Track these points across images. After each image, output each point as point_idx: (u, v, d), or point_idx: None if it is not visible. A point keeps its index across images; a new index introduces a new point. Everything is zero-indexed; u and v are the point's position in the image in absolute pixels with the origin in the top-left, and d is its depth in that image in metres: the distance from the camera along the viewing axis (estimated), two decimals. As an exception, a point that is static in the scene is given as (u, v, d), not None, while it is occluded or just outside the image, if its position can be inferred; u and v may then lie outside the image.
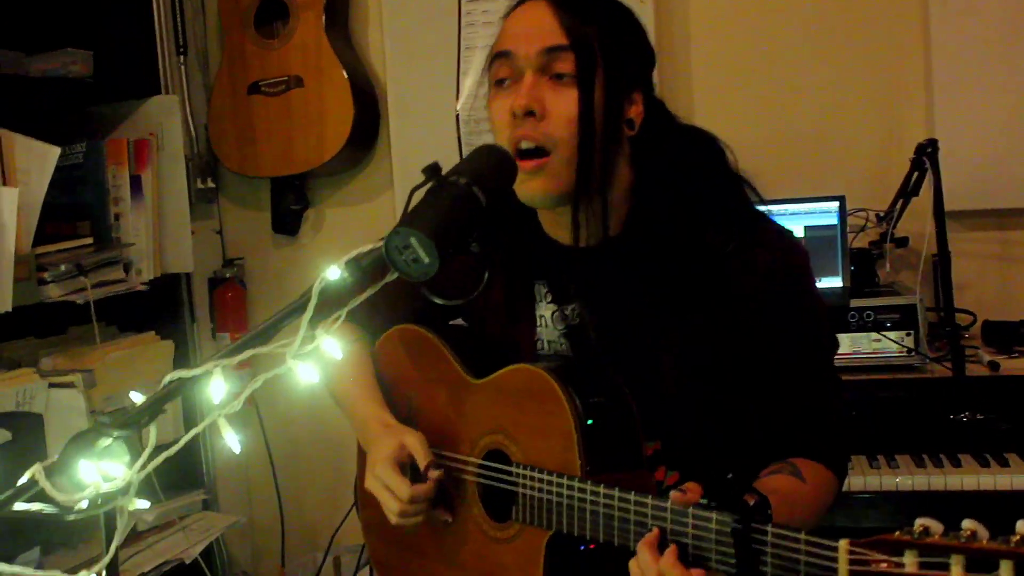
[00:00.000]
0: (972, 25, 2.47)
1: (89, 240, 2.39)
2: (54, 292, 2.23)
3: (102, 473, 1.13)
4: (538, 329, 1.50)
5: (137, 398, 1.19)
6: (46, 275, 2.21)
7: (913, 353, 2.23)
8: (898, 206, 2.39)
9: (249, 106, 2.87)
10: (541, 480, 1.32)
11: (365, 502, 1.66)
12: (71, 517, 1.21)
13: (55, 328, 2.57)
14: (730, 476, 1.03)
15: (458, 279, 1.15)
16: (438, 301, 1.13)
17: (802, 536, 0.99)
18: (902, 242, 2.56)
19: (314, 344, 1.15)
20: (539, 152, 1.31)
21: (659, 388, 1.36)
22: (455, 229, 1.08)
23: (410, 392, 1.60)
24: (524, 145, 1.31)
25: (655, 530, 1.13)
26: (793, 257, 1.39)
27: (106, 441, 1.15)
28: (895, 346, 2.23)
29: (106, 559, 1.18)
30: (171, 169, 2.65)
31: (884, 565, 0.93)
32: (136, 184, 2.51)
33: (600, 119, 1.31)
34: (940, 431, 2.16)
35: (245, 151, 2.89)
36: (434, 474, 1.43)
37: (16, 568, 1.14)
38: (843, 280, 2.37)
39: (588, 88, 1.30)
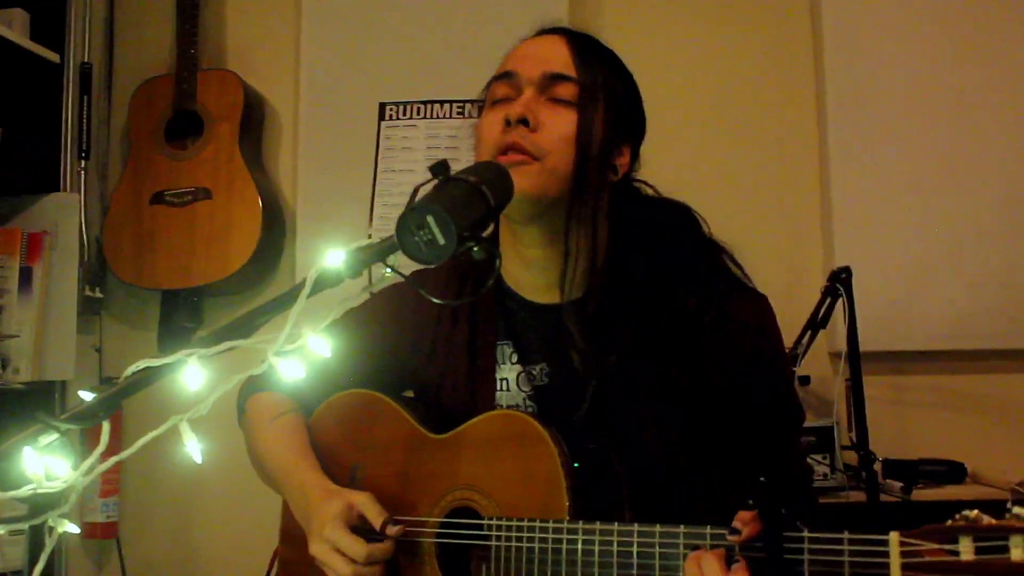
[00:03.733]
0: (870, 169, 2.66)
1: (-33, 329, 2.19)
2: (-76, 375, 2.01)
3: (46, 471, 0.98)
4: (498, 394, 1.42)
5: (87, 396, 1.06)
6: (-82, 355, 1.99)
7: (830, 477, 2.23)
8: (805, 339, 2.45)
9: (151, 215, 2.76)
10: (520, 528, 1.21)
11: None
12: (-6, 531, 1.04)
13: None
14: (762, 479, 0.98)
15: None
16: (436, 300, 1.06)
17: (845, 535, 0.93)
18: (804, 381, 2.62)
19: (299, 341, 1.06)
20: (524, 154, 1.28)
21: (635, 445, 1.30)
22: (469, 215, 1.03)
23: (354, 460, 1.47)
24: (511, 154, 1.28)
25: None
26: (764, 318, 1.39)
27: (50, 437, 1.01)
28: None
29: (33, 579, 1.01)
30: (62, 269, 2.50)
31: (939, 554, 0.88)
32: (26, 277, 2.35)
33: (595, 145, 1.31)
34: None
35: (141, 261, 2.75)
36: (393, 530, 1.30)
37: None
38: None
39: (589, 112, 1.30)
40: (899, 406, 2.72)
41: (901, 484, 2.28)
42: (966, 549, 0.87)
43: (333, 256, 1.04)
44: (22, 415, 2.38)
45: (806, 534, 0.96)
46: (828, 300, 2.34)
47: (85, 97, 2.76)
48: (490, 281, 1.05)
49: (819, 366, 2.66)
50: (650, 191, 1.46)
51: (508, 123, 1.29)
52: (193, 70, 2.82)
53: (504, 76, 1.36)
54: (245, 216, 2.74)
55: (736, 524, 1.02)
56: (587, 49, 1.36)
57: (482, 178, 1.10)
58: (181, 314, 2.84)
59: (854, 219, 2.67)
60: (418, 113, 2.82)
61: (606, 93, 1.33)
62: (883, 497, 2.23)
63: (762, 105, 2.85)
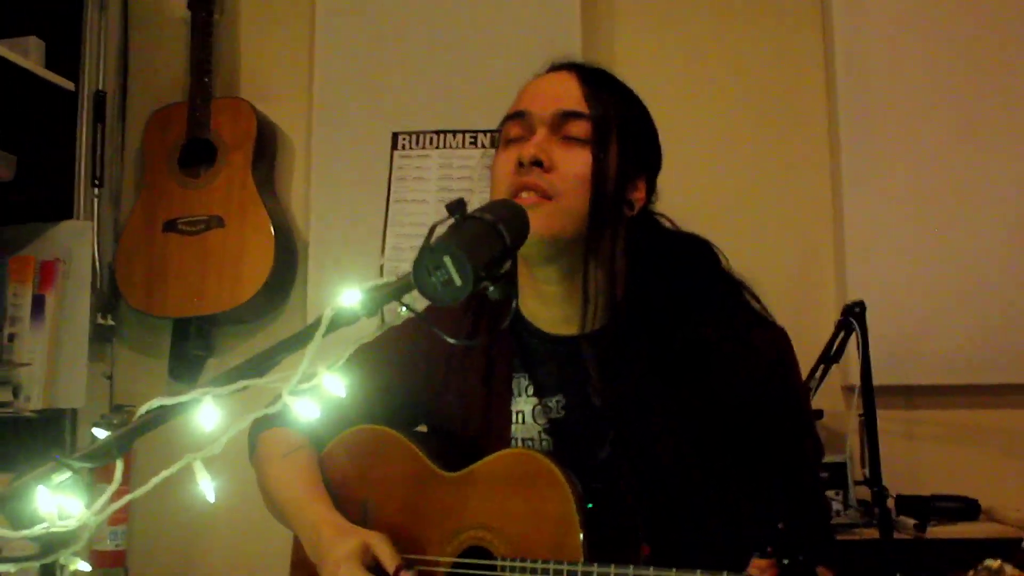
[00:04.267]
0: (883, 202, 2.65)
1: (-21, 357, 2.19)
2: (-65, 404, 2.01)
3: (59, 510, 0.98)
4: (513, 427, 1.41)
5: (100, 434, 1.05)
6: (-70, 383, 1.99)
7: (843, 513, 2.21)
8: (819, 372, 2.44)
9: (163, 243, 2.76)
10: (534, 570, 1.20)
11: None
12: (2, 568, 1.03)
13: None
14: (780, 526, 0.96)
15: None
16: (451, 341, 1.06)
17: (867, 586, 0.92)
18: (817, 415, 2.59)
19: (314, 380, 1.05)
20: (540, 195, 1.28)
21: (652, 479, 1.29)
22: (485, 255, 1.03)
23: (366, 496, 1.46)
24: (524, 195, 1.29)
25: None
26: (783, 351, 1.38)
27: (63, 475, 1.01)
28: (826, 506, 2.21)
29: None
30: (75, 297, 2.50)
31: (961, 605, 0.86)
32: (38, 305, 2.35)
33: (610, 183, 1.30)
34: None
35: (153, 288, 2.75)
36: (406, 575, 1.28)
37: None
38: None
39: (603, 149, 1.30)
40: (912, 441, 2.69)
41: (915, 522, 2.25)
42: (990, 601, 0.85)
43: (349, 295, 1.04)
44: (33, 443, 2.37)
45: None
46: (841, 334, 2.33)
47: (99, 125, 2.76)
48: (505, 322, 1.04)
49: (832, 400, 2.63)
50: (667, 224, 1.46)
51: (521, 164, 1.29)
52: (207, 98, 2.83)
53: (516, 116, 1.36)
54: (257, 244, 2.74)
55: (752, 571, 1.00)
56: (598, 83, 1.36)
57: (498, 216, 1.10)
58: (192, 342, 2.84)
59: (867, 252, 2.65)
60: (431, 143, 2.83)
61: (619, 127, 1.33)
62: (896, 534, 2.21)
63: (774, 135, 2.84)
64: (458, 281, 0.99)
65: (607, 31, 2.96)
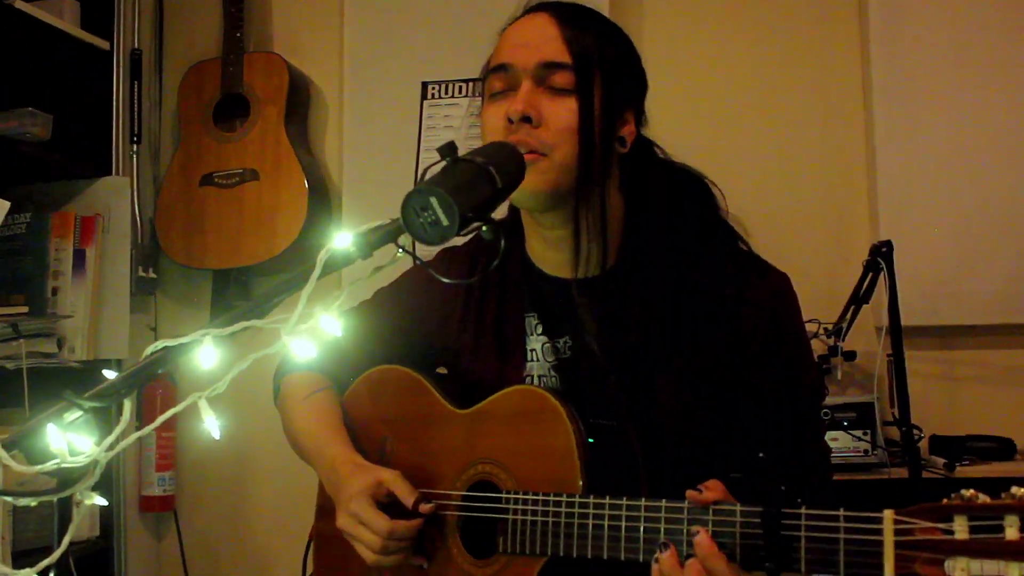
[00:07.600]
0: (916, 143, 2.60)
1: (25, 308, 2.27)
2: (-17, 354, 2.09)
3: (70, 446, 1.03)
4: (528, 364, 1.44)
5: (111, 375, 1.10)
6: (-23, 335, 2.08)
7: (870, 453, 2.21)
8: (849, 313, 2.43)
9: (200, 197, 2.82)
10: (535, 502, 1.24)
11: (324, 561, 1.54)
12: (23, 502, 1.08)
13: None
14: (762, 455, 0.98)
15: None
16: (445, 280, 1.08)
17: (841, 512, 0.94)
18: (850, 356, 2.58)
19: (311, 321, 1.09)
20: (533, 153, 1.29)
21: (653, 422, 1.31)
22: (474, 196, 1.05)
23: (384, 434, 1.51)
24: (519, 149, 1.30)
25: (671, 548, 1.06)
26: (783, 295, 1.39)
27: (74, 414, 1.06)
28: (851, 444, 2.22)
29: (57, 553, 1.05)
30: (115, 251, 2.58)
31: (933, 533, 0.88)
32: (79, 258, 2.42)
33: (597, 130, 1.31)
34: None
35: (192, 241, 2.82)
36: (426, 508, 1.33)
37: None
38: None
39: (588, 100, 1.30)
40: (948, 381, 2.67)
41: (944, 461, 2.25)
42: (960, 528, 0.87)
43: (341, 238, 1.07)
44: (78, 392, 2.46)
45: (803, 511, 0.96)
46: (870, 275, 2.31)
47: (135, 82, 2.83)
48: (495, 262, 1.07)
49: (866, 341, 2.62)
50: (660, 154, 1.46)
51: (510, 121, 1.30)
52: (239, 53, 2.87)
53: (500, 68, 1.36)
54: (291, 196, 2.79)
55: (695, 492, 1.05)
56: (576, 23, 1.34)
57: (489, 159, 1.12)
58: (232, 293, 2.91)
59: (900, 193, 2.62)
60: (460, 91, 2.84)
61: (602, 66, 1.32)
62: (925, 474, 2.21)
63: (807, 79, 2.80)
64: (445, 221, 1.01)
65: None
